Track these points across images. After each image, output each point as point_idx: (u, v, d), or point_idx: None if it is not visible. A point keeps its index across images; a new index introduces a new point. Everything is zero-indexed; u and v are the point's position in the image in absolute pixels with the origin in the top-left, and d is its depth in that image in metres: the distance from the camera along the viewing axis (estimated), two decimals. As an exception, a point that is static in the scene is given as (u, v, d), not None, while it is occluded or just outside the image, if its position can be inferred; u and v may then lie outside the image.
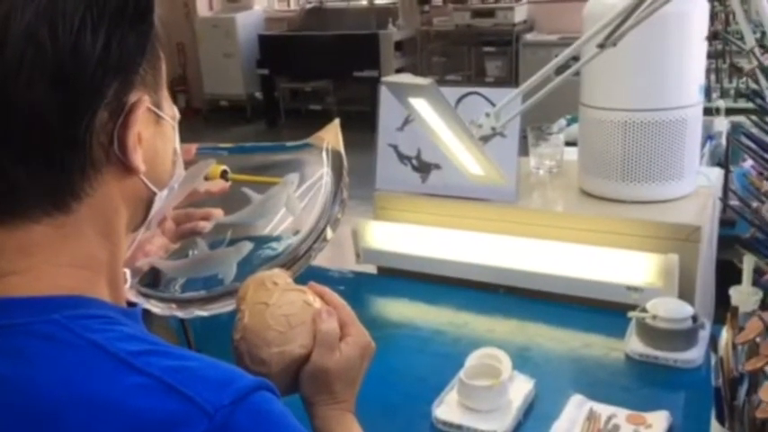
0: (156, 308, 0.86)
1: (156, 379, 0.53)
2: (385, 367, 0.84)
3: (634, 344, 1.23)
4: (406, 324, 1.40)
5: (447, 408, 1.08)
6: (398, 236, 1.61)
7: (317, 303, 0.81)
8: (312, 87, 7.12)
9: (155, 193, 0.66)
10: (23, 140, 0.54)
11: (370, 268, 1.68)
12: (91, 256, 0.60)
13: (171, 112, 0.67)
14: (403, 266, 1.61)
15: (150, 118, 0.62)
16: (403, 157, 1.63)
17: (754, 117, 1.12)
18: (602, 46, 1.05)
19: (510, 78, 6.02)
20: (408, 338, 1.32)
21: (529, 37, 6.04)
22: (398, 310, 1.50)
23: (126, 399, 0.52)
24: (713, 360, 0.88)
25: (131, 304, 0.69)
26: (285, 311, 0.78)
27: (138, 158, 0.60)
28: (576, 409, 1.06)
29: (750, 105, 1.20)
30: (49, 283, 0.58)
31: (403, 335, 1.34)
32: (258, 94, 7.22)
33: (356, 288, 1.56)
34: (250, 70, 7.08)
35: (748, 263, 1.00)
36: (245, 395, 0.55)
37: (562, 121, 2.45)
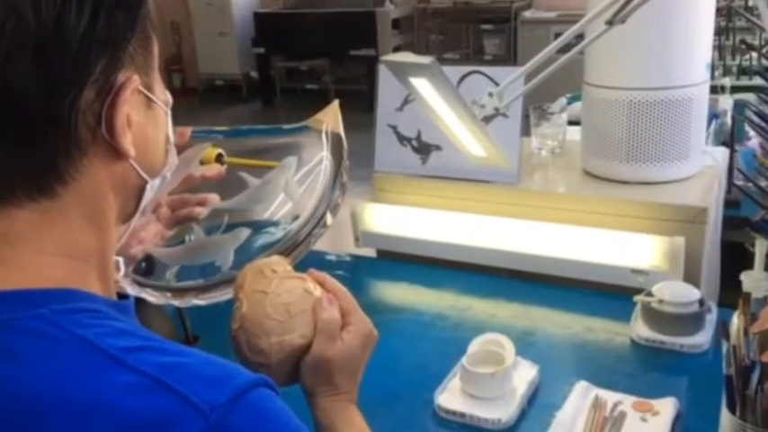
0: (151, 297, 0.84)
1: (149, 377, 0.51)
2: (385, 353, 0.82)
3: (639, 328, 1.20)
4: (406, 309, 1.38)
5: (449, 395, 1.06)
6: (398, 219, 1.58)
7: (318, 291, 0.78)
8: (308, 66, 7.05)
9: (146, 182, 0.63)
10: (2, 117, 0.52)
11: (370, 252, 1.66)
12: (79, 245, 0.58)
13: (163, 97, 0.65)
14: (403, 250, 1.58)
15: (141, 100, 0.60)
16: (402, 139, 1.59)
17: (762, 94, 1.10)
18: (610, 23, 1.01)
19: (508, 56, 5.97)
20: (409, 323, 1.30)
21: (527, 14, 5.97)
22: (399, 294, 1.48)
23: (117, 398, 0.50)
24: (724, 347, 0.86)
25: (123, 297, 0.67)
26: (284, 300, 0.76)
27: (128, 142, 0.57)
28: (581, 396, 1.04)
29: (756, 83, 1.17)
30: (36, 274, 0.56)
31: (403, 320, 1.32)
32: (254, 74, 7.15)
33: (355, 272, 1.53)
34: (245, 49, 7.00)
35: (760, 247, 0.98)
36: (243, 392, 0.53)
37: (562, 100, 2.41)
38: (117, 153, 0.58)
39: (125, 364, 0.51)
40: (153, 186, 0.66)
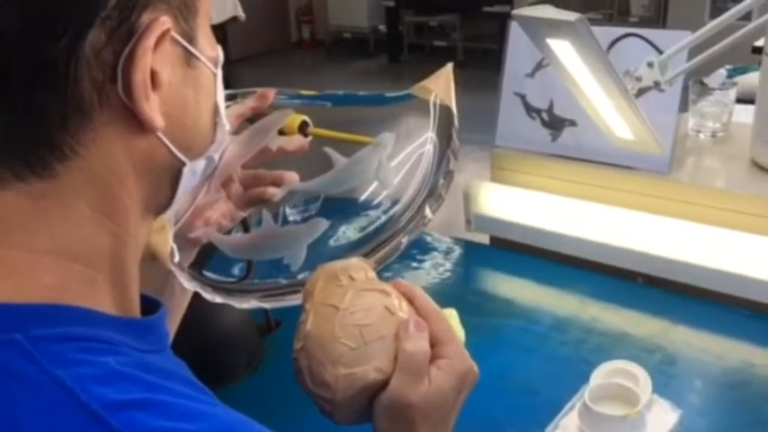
0: (206, 294, 0.69)
1: None
2: (490, 369, 0.66)
3: (817, 372, 0.95)
4: (518, 313, 1.18)
5: (564, 435, 0.87)
6: (519, 202, 1.39)
7: (403, 311, 0.61)
8: (438, 22, 6.82)
9: (183, 163, 0.48)
10: None
11: (483, 238, 1.47)
12: (84, 243, 0.44)
13: (211, 54, 0.49)
14: (521, 239, 1.38)
15: (177, 54, 0.45)
16: (531, 110, 1.38)
17: None
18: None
19: (657, 18, 5.47)
20: (520, 333, 1.11)
21: (682, -29, 5.41)
22: (512, 292, 1.28)
23: None
24: None
25: (155, 303, 0.52)
26: (359, 320, 0.59)
27: (153, 107, 0.43)
28: (735, 457, 0.82)
29: None
30: (22, 281, 0.42)
31: (513, 327, 1.12)
32: (382, 27, 7.01)
33: (463, 260, 1.34)
34: (375, 1, 6.86)
35: None
36: None
37: (721, 72, 2.08)
38: (139, 123, 0.43)
39: (109, 427, 0.37)
40: (194, 170, 0.50)
